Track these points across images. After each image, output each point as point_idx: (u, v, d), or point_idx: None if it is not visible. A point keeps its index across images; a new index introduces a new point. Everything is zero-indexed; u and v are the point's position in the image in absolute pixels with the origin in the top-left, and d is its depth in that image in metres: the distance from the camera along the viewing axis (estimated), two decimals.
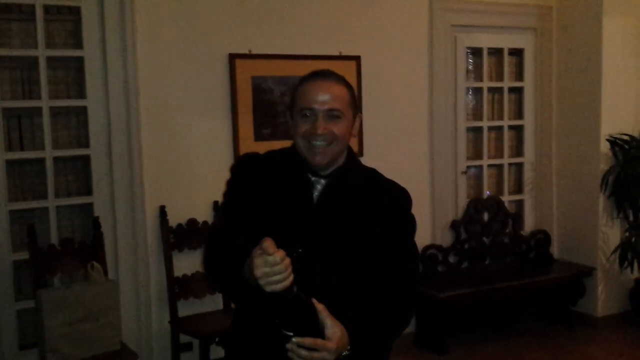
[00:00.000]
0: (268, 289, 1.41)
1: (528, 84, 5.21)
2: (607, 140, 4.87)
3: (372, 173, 1.83)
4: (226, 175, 4.09)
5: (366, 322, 1.61)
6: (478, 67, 5.09)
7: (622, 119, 4.91)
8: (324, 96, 1.66)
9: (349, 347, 1.53)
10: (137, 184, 3.75)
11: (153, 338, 3.86)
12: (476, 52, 5.06)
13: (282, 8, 4.13)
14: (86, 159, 3.76)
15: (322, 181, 1.72)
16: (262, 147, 3.97)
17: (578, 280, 4.99)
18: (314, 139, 1.66)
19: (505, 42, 5.10)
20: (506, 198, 5.19)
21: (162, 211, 3.81)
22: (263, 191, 1.71)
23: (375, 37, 4.47)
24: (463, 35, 4.88)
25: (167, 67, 3.82)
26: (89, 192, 3.78)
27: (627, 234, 4.86)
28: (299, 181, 1.71)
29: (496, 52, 5.14)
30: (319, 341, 1.47)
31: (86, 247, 3.58)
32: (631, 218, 4.86)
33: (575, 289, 5.00)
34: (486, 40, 5.02)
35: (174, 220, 3.85)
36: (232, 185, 1.79)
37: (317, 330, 1.49)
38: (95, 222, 3.65)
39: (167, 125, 3.85)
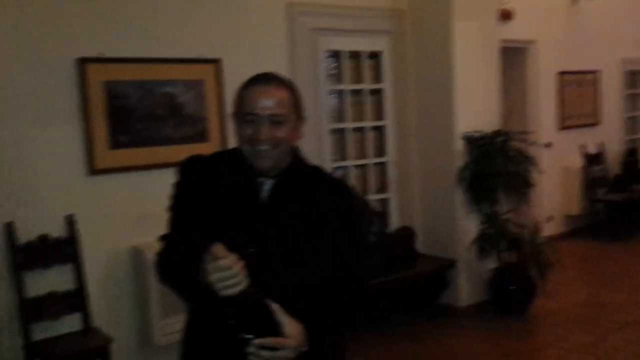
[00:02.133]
0: (223, 293, 1.43)
1: (387, 85, 5.36)
2: (462, 137, 5.10)
3: (317, 171, 1.85)
4: (80, 185, 3.86)
5: (319, 317, 1.64)
6: (339, 69, 5.16)
7: (474, 117, 5.17)
8: (266, 102, 1.66)
9: (306, 343, 1.57)
10: None
11: None
12: (336, 55, 5.13)
13: (135, 10, 3.96)
14: None
15: (269, 181, 1.73)
16: (120, 155, 3.87)
17: (441, 273, 5.19)
18: (257, 144, 1.66)
19: (364, 45, 5.22)
20: (371, 197, 5.30)
21: (9, 228, 3.52)
22: (210, 192, 1.72)
23: (235, 40, 4.40)
24: (323, 39, 4.92)
25: (7, 74, 3.53)
26: None
27: (483, 226, 5.12)
28: (245, 182, 1.72)
29: (356, 55, 5.23)
30: (281, 340, 1.50)
31: None
32: (486, 210, 5.13)
33: (438, 282, 5.20)
34: (345, 44, 5.11)
35: (23, 237, 3.57)
36: (178, 188, 1.78)
37: (276, 330, 1.50)
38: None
39: (9, 136, 3.56)
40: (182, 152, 4.00)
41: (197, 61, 4.19)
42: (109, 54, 3.83)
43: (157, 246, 3.38)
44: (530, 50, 7.07)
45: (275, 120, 1.67)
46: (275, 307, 1.52)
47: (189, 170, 1.79)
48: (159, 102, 4.03)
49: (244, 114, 1.68)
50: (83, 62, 3.72)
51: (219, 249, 1.44)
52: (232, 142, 4.29)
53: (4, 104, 3.54)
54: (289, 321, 1.53)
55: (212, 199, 1.71)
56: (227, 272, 1.43)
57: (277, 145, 1.67)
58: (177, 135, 4.11)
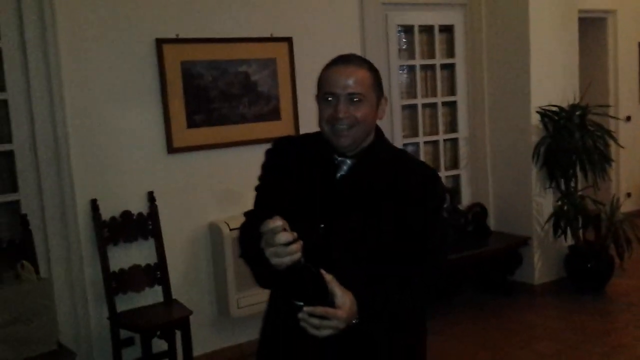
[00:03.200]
0: (273, 262, 1.49)
1: (459, 60, 5.27)
2: (537, 112, 4.98)
3: (400, 153, 1.90)
4: (159, 163, 3.98)
5: (377, 292, 1.64)
6: (410, 44, 5.11)
7: (551, 91, 5.03)
8: (345, 81, 1.70)
9: (357, 316, 1.59)
10: (66, 178, 3.61)
11: (92, 335, 3.75)
12: (407, 30, 5.08)
13: None
14: (9, 155, 3.59)
15: (349, 161, 1.77)
16: (196, 134, 3.97)
17: (515, 250, 5.11)
18: (336, 122, 1.70)
19: (436, 19, 5.14)
20: (443, 173, 5.26)
21: (94, 204, 3.69)
22: (291, 172, 1.79)
23: (306, 17, 4.42)
24: (394, 14, 4.88)
25: (91, 54, 3.67)
26: (14, 189, 3.62)
27: (559, 202, 5.00)
28: (323, 161, 1.78)
29: (427, 30, 5.17)
30: (330, 310, 1.53)
31: (15, 246, 3.44)
32: (562, 187, 5.00)
33: (512, 259, 5.13)
34: (417, 18, 5.05)
35: (107, 213, 3.73)
36: (265, 169, 1.87)
37: (327, 300, 1.54)
38: (23, 220, 3.50)
39: (94, 115, 3.71)
40: (256, 130, 4.15)
41: (270, 40, 4.23)
42: (185, 35, 3.92)
43: (236, 223, 3.45)
44: (610, 20, 6.79)
45: (354, 99, 1.70)
46: (328, 277, 1.55)
47: (276, 152, 1.85)
48: (233, 81, 4.10)
49: (324, 94, 1.72)
50: (161, 43, 3.83)
51: (272, 221, 1.48)
52: (303, 120, 4.35)
53: (90, 86, 3.68)
54: (342, 293, 1.56)
55: (292, 178, 1.77)
56: (278, 243, 1.47)
57: (355, 124, 1.71)
58: (250, 113, 4.18)
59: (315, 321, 1.53)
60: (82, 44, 3.64)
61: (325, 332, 1.54)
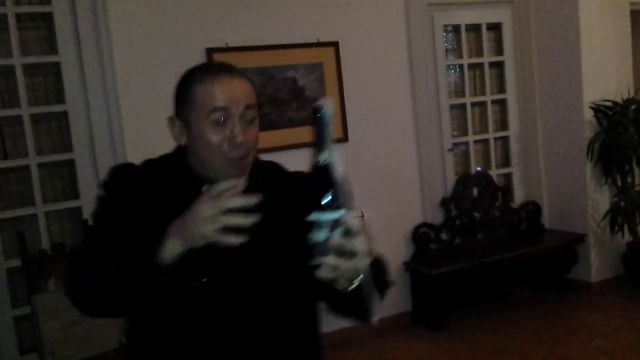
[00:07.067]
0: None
1: (508, 57, 5.23)
2: (591, 107, 4.89)
3: (275, 170, 1.57)
4: None
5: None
6: (457, 44, 5.10)
7: (604, 85, 4.93)
8: (239, 95, 1.37)
9: None
10: None
11: None
12: (454, 30, 5.08)
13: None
14: (71, 163, 3.79)
15: None
16: None
17: (570, 248, 5.03)
18: (233, 149, 1.36)
19: (483, 17, 5.12)
20: (494, 172, 5.22)
21: None
22: (148, 208, 1.37)
23: (352, 21, 4.48)
24: (439, 14, 4.89)
25: (145, 65, 3.83)
26: (76, 195, 3.81)
27: (615, 199, 4.89)
28: (188, 193, 1.34)
29: (474, 28, 5.15)
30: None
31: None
32: (619, 183, 4.90)
33: (568, 257, 5.04)
34: (463, 17, 5.03)
35: None
36: (105, 202, 1.44)
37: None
38: (85, 225, 3.67)
39: (149, 123, 3.84)
40: (303, 133, 4.22)
41: (316, 45, 4.31)
42: (234, 43, 4.04)
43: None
44: None
45: (250, 119, 1.39)
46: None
47: (116, 183, 1.46)
48: (280, 86, 4.20)
49: (210, 112, 1.35)
50: (211, 52, 3.96)
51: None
52: (351, 123, 4.40)
53: (148, 95, 3.82)
54: None
55: (150, 217, 1.34)
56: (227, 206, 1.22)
57: (252, 149, 1.39)
58: (298, 117, 4.27)
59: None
60: (136, 56, 3.80)
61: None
